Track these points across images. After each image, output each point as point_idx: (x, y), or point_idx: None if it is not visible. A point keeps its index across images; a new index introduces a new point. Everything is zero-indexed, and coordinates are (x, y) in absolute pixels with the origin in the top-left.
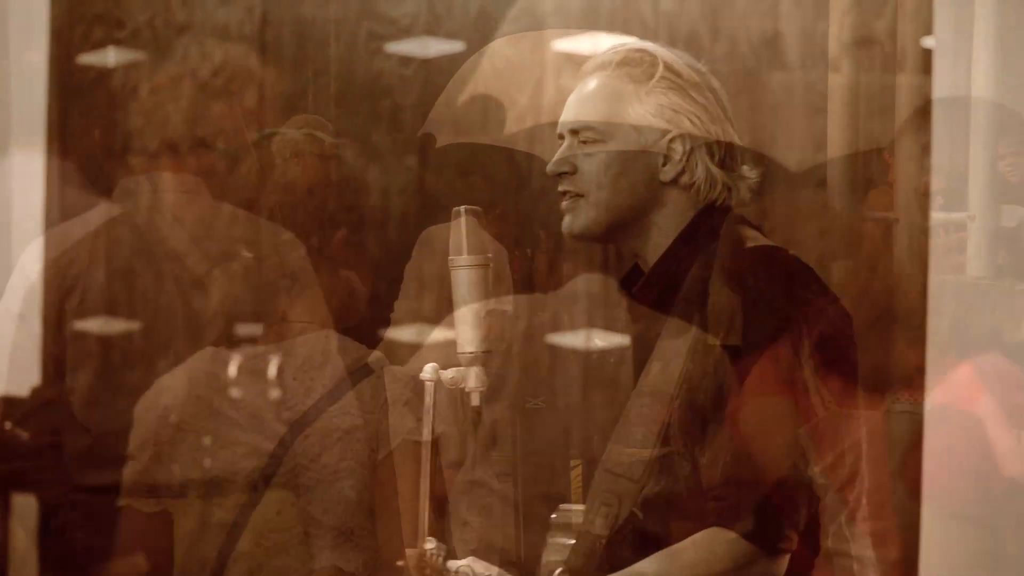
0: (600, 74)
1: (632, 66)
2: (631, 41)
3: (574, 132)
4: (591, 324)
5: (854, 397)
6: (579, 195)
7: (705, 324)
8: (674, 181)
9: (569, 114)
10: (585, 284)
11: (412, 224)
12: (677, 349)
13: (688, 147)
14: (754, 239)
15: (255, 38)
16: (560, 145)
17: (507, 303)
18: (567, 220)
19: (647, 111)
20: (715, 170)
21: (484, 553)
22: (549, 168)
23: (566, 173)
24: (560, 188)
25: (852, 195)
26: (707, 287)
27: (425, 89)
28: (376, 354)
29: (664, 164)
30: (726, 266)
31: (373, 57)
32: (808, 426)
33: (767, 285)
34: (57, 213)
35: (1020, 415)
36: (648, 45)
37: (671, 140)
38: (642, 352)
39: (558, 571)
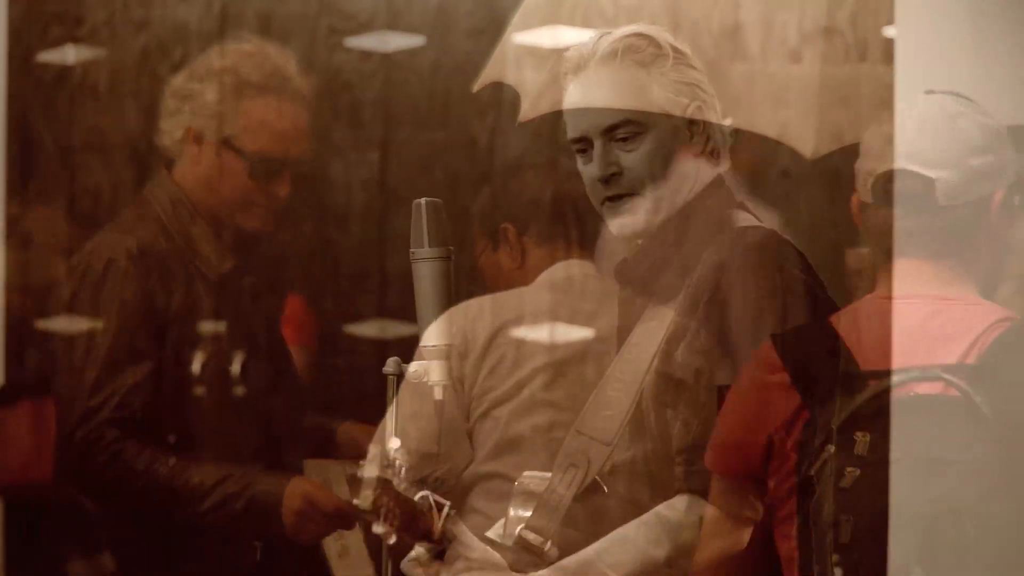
0: (605, 68)
1: (637, 52)
2: (621, 29)
3: (608, 131)
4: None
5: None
6: (631, 195)
7: (689, 296)
8: (703, 151)
9: (591, 115)
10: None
11: (375, 219)
12: (661, 316)
13: (706, 115)
14: (746, 221)
15: (214, 34)
16: (585, 149)
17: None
18: (624, 221)
19: (668, 92)
20: (726, 130)
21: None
22: (599, 173)
23: (615, 174)
24: (608, 193)
25: (815, 186)
26: (696, 263)
27: (385, 84)
28: None
29: (692, 137)
30: (717, 244)
31: (333, 52)
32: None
33: (755, 262)
34: (18, 210)
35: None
36: (639, 28)
37: (693, 113)
38: (628, 317)
39: (519, 528)
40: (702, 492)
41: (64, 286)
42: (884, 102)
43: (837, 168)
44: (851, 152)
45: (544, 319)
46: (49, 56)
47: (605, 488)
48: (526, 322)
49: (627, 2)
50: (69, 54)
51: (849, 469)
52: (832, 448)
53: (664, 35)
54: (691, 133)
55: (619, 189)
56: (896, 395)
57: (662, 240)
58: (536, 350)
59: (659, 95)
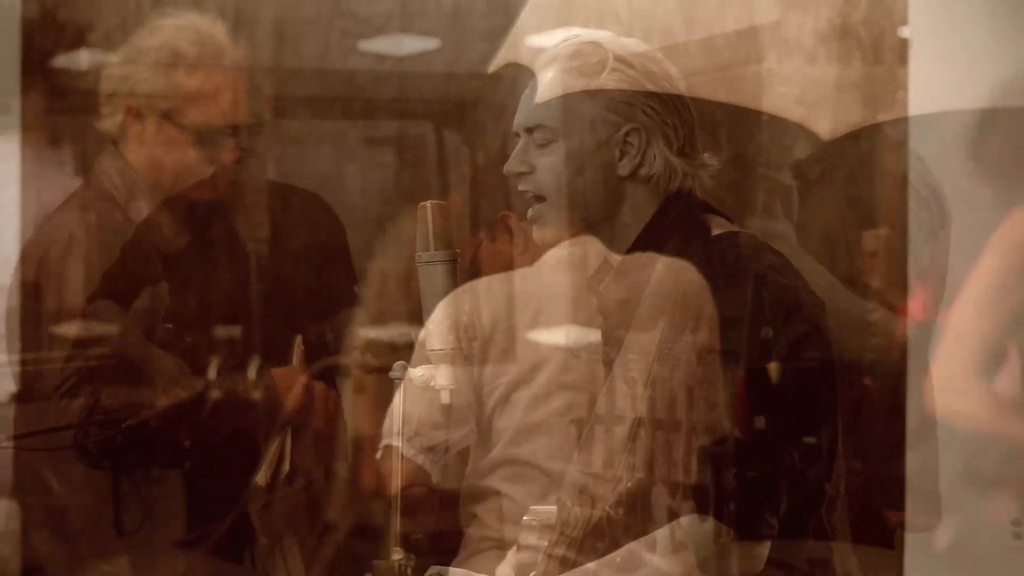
0: (552, 69)
1: (582, 59)
2: (582, 33)
3: (529, 131)
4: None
5: (829, 383)
6: (540, 197)
7: (675, 314)
8: (633, 175)
9: (523, 113)
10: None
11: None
12: (647, 342)
13: (644, 139)
14: (721, 226)
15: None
16: (517, 144)
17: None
18: (536, 232)
19: (599, 106)
20: (674, 160)
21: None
22: (506, 169)
23: (524, 173)
24: (520, 188)
25: (828, 187)
26: (675, 278)
27: (400, 87)
28: None
29: (621, 158)
30: (694, 255)
31: (347, 56)
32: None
33: (737, 269)
34: (34, 208)
35: None
36: (599, 36)
37: (626, 133)
38: (612, 347)
39: (532, 574)
40: (712, 511)
41: (27, 265)
42: (899, 102)
43: (851, 172)
44: (866, 153)
45: (559, 300)
46: (63, 61)
47: (614, 515)
48: (538, 303)
49: (641, 4)
50: (83, 59)
51: None
52: None
53: (620, 48)
54: (621, 154)
55: (527, 186)
56: None
57: (632, 264)
58: (551, 331)
59: (589, 108)
